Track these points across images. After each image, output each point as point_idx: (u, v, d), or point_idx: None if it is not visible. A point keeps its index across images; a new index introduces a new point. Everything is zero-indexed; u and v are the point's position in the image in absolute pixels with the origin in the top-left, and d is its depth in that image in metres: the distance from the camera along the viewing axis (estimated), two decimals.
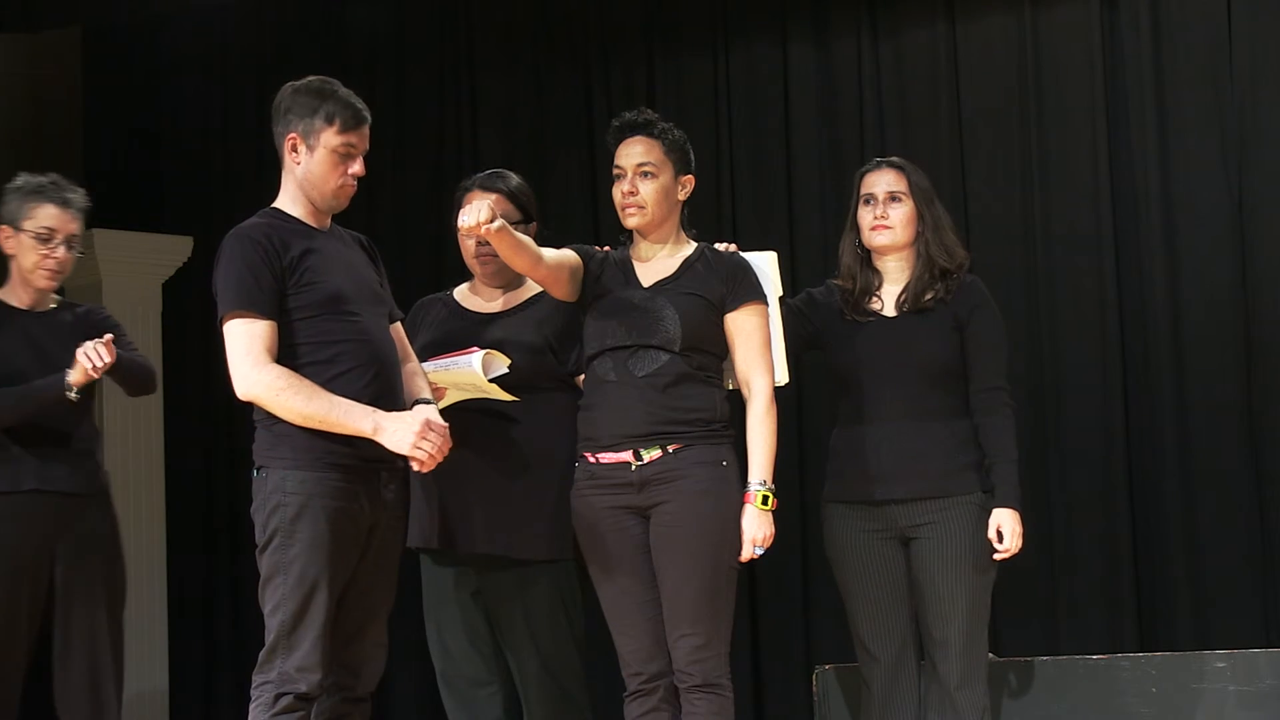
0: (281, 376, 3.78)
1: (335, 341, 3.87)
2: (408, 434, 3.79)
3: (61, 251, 4.66)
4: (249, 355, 3.80)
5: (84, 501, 4.63)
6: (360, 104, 3.96)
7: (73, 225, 4.67)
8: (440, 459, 3.83)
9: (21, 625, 4.56)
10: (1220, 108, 5.80)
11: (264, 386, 3.78)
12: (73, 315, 4.76)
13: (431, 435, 3.80)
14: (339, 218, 4.07)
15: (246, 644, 6.72)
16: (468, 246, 4.43)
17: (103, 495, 4.71)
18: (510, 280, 4.44)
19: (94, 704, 4.64)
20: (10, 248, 4.67)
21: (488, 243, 4.07)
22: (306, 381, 3.79)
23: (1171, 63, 5.88)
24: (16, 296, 4.70)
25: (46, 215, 4.64)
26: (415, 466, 3.85)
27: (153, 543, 6.93)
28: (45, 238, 4.63)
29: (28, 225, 4.62)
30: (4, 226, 4.66)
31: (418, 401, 3.94)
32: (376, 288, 4.05)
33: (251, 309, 3.82)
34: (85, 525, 4.63)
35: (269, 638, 3.80)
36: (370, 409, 3.81)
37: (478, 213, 3.87)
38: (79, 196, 4.71)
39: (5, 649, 4.54)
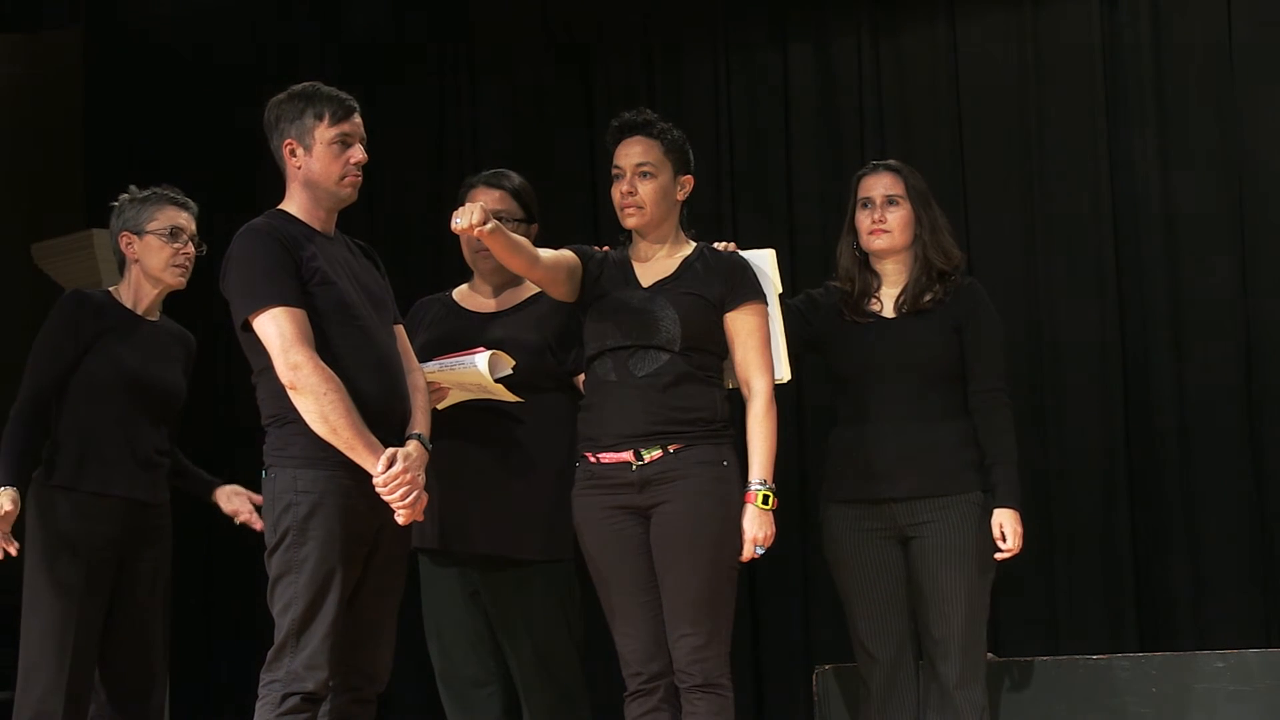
0: (331, 380, 3.77)
1: (342, 345, 3.87)
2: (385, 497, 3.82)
3: (191, 248, 4.71)
4: (300, 344, 3.78)
5: (154, 511, 4.70)
6: (345, 95, 3.98)
7: (193, 225, 4.74)
8: (411, 497, 3.83)
9: (97, 619, 4.60)
10: (1220, 108, 5.80)
11: (315, 383, 3.76)
12: (169, 333, 4.80)
13: (396, 483, 3.80)
14: (341, 217, 4.07)
15: (247, 638, 6.76)
16: (468, 241, 4.43)
17: (167, 506, 4.78)
18: (509, 278, 4.44)
19: (147, 693, 4.70)
20: (134, 253, 4.69)
21: None
22: (349, 400, 3.79)
23: (1171, 63, 5.88)
24: (133, 300, 4.72)
25: (170, 215, 4.69)
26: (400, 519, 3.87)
27: None
28: (174, 235, 4.68)
29: (153, 227, 4.67)
30: (124, 233, 4.69)
31: (407, 437, 3.94)
32: (380, 293, 4.06)
33: (285, 300, 3.81)
34: (152, 532, 4.69)
35: (278, 636, 3.79)
36: (383, 457, 3.81)
37: (470, 215, 3.85)
38: (189, 200, 4.77)
39: (86, 640, 4.55)
